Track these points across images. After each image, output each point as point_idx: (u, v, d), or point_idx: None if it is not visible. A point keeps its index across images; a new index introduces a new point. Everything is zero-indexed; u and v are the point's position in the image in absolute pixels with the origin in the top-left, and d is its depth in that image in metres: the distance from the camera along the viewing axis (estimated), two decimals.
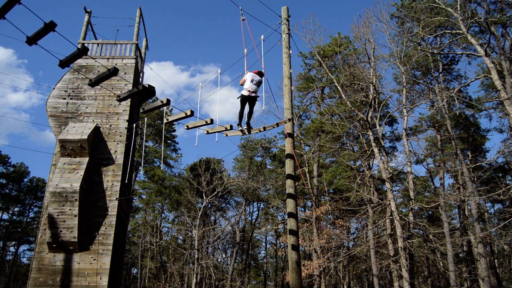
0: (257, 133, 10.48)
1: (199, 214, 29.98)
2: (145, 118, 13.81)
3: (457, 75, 27.60)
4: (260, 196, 35.90)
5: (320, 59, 24.70)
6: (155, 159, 35.54)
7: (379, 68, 23.03)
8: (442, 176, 24.93)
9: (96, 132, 12.54)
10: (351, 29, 29.95)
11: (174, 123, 8.57)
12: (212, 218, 38.95)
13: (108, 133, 12.67)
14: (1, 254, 43.09)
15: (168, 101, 7.14)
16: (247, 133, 8.92)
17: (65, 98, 13.04)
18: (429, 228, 20.68)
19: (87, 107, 12.96)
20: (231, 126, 8.61)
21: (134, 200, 35.36)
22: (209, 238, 34.71)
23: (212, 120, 8.00)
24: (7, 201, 40.99)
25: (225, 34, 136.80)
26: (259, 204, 40.27)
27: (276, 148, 32.83)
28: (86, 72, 13.33)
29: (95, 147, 12.40)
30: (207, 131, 8.78)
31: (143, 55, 15.89)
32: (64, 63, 6.26)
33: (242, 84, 8.72)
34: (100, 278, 10.87)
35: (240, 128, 8.83)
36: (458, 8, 17.61)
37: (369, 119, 20.49)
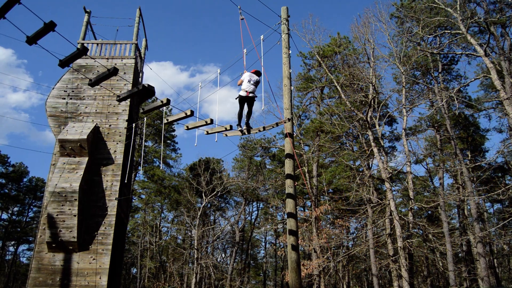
0: (256, 133, 10.48)
1: (199, 214, 29.98)
2: (145, 118, 13.82)
3: (456, 75, 27.64)
4: (259, 196, 35.91)
5: (319, 59, 24.70)
6: (155, 159, 35.54)
7: (378, 68, 23.10)
8: (442, 176, 24.95)
9: (96, 132, 12.54)
10: (350, 29, 30.00)
11: (174, 123, 8.56)
12: (212, 217, 38.97)
13: (108, 133, 12.67)
14: (0, 254, 43.07)
15: (168, 101, 7.13)
16: (246, 133, 8.93)
17: (64, 98, 13.04)
18: (428, 228, 20.69)
19: (86, 107, 12.96)
20: (230, 127, 8.61)
21: (133, 200, 35.35)
22: (208, 238, 34.72)
23: (212, 120, 8.00)
24: (7, 200, 40.97)
25: (225, 34, 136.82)
26: (258, 204, 40.29)
27: (276, 148, 32.83)
28: (85, 72, 13.33)
29: (94, 147, 12.40)
30: (207, 132, 8.78)
31: (142, 55, 15.89)
32: (64, 63, 6.26)
33: (240, 85, 8.73)
34: (100, 278, 10.87)
35: (239, 129, 8.83)
36: (458, 8, 17.62)
37: (368, 119, 20.50)
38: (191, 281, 29.73)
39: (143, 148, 23.75)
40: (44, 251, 11.12)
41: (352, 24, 43.03)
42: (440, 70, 25.57)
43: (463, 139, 27.94)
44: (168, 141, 37.84)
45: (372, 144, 19.68)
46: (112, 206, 11.76)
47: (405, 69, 21.24)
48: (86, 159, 11.90)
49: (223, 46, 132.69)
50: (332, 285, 34.59)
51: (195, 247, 29.56)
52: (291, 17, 10.27)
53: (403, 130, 21.31)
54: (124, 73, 13.43)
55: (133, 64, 13.67)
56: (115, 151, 12.45)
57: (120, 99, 7.56)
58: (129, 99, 13.09)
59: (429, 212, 29.97)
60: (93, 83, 6.94)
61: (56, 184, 11.16)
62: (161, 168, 34.90)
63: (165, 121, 8.40)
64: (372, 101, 20.58)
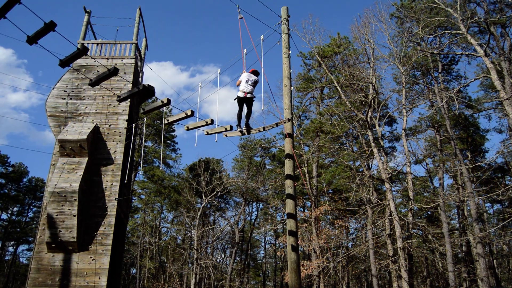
0: (256, 133, 10.48)
1: (198, 214, 29.96)
2: (145, 118, 13.82)
3: (456, 75, 27.65)
4: (259, 196, 35.90)
5: (319, 59, 24.69)
6: (155, 159, 35.53)
7: (378, 68, 23.07)
8: (442, 176, 24.94)
9: (96, 132, 12.53)
10: (350, 30, 29.98)
11: (174, 123, 8.55)
12: (211, 218, 38.95)
13: (108, 133, 12.67)
14: (0, 254, 43.03)
15: (169, 101, 7.11)
16: (246, 133, 8.92)
17: (64, 98, 13.03)
18: (428, 228, 20.68)
19: (86, 107, 12.95)
20: (230, 127, 8.60)
21: (133, 200, 35.32)
22: (208, 238, 34.71)
23: (212, 121, 7.98)
24: (6, 201, 40.95)
25: (225, 34, 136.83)
26: (258, 204, 40.28)
27: (276, 148, 32.82)
28: (85, 72, 13.32)
29: (94, 147, 12.39)
30: (207, 132, 8.77)
31: (142, 55, 15.89)
32: (64, 63, 6.25)
33: (239, 85, 8.73)
34: (99, 278, 10.86)
35: (239, 129, 8.83)
36: (458, 8, 17.61)
37: (368, 119, 20.49)
38: (191, 282, 29.71)
39: (143, 148, 23.77)
40: (43, 252, 11.11)
41: (352, 24, 43.06)
42: (440, 70, 25.58)
43: (463, 140, 27.94)
44: (168, 141, 37.83)
45: (372, 144, 19.67)
46: (111, 207, 11.76)
47: (405, 69, 21.24)
48: (86, 159, 11.89)
49: (223, 46, 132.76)
50: (332, 285, 34.59)
51: (195, 248, 29.55)
52: (291, 17, 10.26)
53: (403, 131, 21.30)
54: (124, 73, 13.42)
55: (133, 64, 13.67)
56: (115, 151, 12.45)
57: (120, 99, 7.54)
58: (129, 99, 13.08)
59: (429, 212, 29.97)
60: (93, 83, 6.93)
61: (56, 184, 11.15)
62: (161, 168, 34.89)
63: (165, 121, 8.38)
64: (372, 101, 20.57)
